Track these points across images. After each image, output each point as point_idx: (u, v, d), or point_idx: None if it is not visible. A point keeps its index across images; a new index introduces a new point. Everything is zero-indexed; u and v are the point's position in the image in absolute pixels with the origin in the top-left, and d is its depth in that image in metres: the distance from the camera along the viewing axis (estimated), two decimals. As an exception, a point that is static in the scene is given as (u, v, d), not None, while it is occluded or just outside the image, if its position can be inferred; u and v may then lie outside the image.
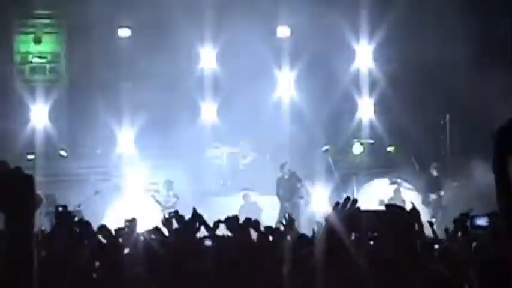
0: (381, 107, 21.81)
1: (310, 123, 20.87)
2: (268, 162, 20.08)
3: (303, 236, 8.39)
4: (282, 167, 18.65)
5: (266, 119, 20.57)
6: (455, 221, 9.23)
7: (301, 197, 18.46)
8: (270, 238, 8.75)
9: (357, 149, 21.47)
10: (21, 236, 2.97)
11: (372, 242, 5.04)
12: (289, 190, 18.37)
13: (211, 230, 9.04)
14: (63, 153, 20.48)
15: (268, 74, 21.33)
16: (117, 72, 21.79)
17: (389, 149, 21.96)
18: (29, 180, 2.98)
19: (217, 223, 9.25)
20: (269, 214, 17.85)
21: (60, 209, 12.49)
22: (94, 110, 21.35)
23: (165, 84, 20.68)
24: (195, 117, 21.56)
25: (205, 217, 9.03)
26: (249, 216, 9.82)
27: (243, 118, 19.51)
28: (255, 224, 9.04)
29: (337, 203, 5.20)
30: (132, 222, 10.16)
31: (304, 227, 14.35)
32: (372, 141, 21.51)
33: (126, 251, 8.26)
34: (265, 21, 21.10)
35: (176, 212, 9.40)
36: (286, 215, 10.12)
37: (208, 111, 21.25)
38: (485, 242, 7.65)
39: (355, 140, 21.40)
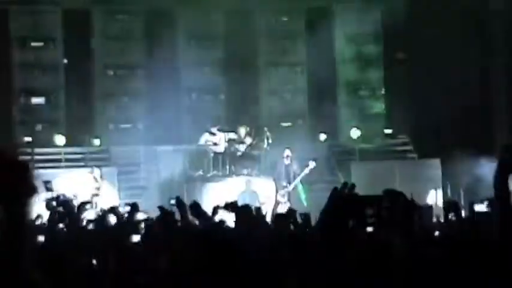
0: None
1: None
2: (267, 148, 19.92)
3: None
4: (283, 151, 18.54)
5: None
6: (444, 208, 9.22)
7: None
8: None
9: (354, 133, 21.47)
10: (18, 224, 2.95)
11: (370, 227, 5.03)
12: (286, 176, 18.19)
13: (210, 216, 8.98)
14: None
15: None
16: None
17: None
18: (26, 168, 2.96)
19: (216, 209, 9.21)
20: (265, 203, 17.78)
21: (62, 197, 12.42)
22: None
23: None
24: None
25: (203, 202, 9.00)
26: (248, 203, 9.78)
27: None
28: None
29: (335, 189, 5.18)
30: (133, 205, 9.96)
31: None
32: None
33: (136, 238, 7.98)
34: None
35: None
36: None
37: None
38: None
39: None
